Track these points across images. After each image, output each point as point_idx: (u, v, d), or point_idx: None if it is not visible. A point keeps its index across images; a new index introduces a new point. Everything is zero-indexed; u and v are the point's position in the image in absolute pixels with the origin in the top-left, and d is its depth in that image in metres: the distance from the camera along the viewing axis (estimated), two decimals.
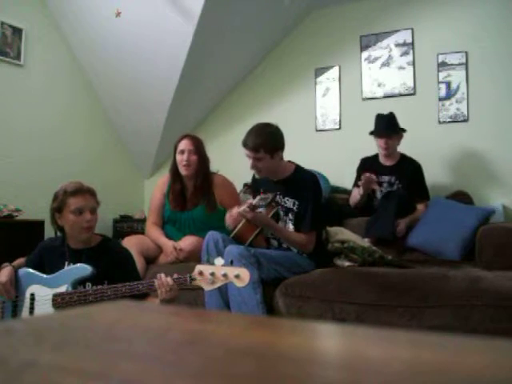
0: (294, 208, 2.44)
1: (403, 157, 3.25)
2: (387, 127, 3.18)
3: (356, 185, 3.22)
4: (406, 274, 2.21)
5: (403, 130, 3.23)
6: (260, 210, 2.37)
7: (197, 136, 2.93)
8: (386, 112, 3.28)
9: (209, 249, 2.30)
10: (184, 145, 2.82)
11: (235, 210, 2.39)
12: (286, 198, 2.46)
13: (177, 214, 2.89)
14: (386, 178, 3.21)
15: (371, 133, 3.27)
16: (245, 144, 2.41)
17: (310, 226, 2.41)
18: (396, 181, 3.17)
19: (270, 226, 2.41)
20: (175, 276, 1.78)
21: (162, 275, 1.78)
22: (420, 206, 3.11)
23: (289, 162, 2.57)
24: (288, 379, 0.30)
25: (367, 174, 3.01)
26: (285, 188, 2.45)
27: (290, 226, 2.46)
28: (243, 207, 2.30)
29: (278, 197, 2.45)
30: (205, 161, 2.85)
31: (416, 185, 3.15)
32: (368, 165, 3.29)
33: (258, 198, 2.33)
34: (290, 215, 2.46)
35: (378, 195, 3.21)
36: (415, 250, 2.90)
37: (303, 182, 2.46)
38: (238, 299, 2.16)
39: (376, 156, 3.32)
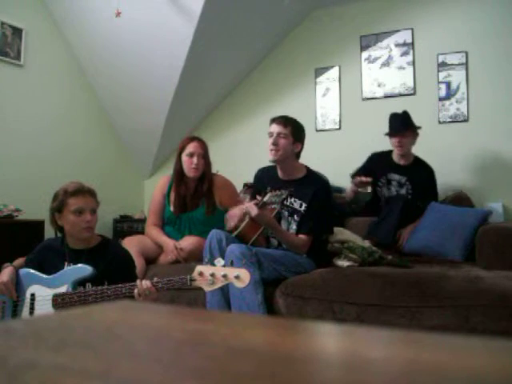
0: (302, 210, 2.44)
1: (417, 159, 3.17)
2: (401, 125, 3.09)
3: (355, 175, 3.11)
4: (405, 274, 2.21)
5: (418, 128, 3.13)
6: (273, 206, 2.38)
7: (203, 139, 2.92)
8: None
9: (211, 247, 2.29)
10: (194, 147, 2.80)
11: (236, 209, 2.40)
12: (294, 199, 2.46)
13: (177, 215, 2.88)
14: (396, 177, 3.13)
15: (386, 134, 3.18)
16: (275, 119, 2.50)
17: (312, 230, 2.43)
18: (407, 182, 3.10)
19: (271, 226, 2.40)
20: (155, 280, 1.79)
21: (143, 281, 1.80)
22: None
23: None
24: (288, 379, 0.30)
25: (363, 179, 2.97)
26: (295, 189, 2.44)
27: (294, 227, 2.46)
28: (250, 204, 2.29)
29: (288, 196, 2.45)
30: (210, 165, 2.86)
31: (427, 190, 3.08)
32: (380, 160, 3.21)
33: (268, 195, 2.31)
34: (295, 216, 2.46)
35: (386, 194, 3.16)
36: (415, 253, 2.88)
37: (316, 187, 2.46)
38: (239, 299, 2.16)
39: (389, 153, 3.21)
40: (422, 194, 3.06)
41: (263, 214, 2.30)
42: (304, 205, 2.44)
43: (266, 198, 2.30)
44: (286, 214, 2.48)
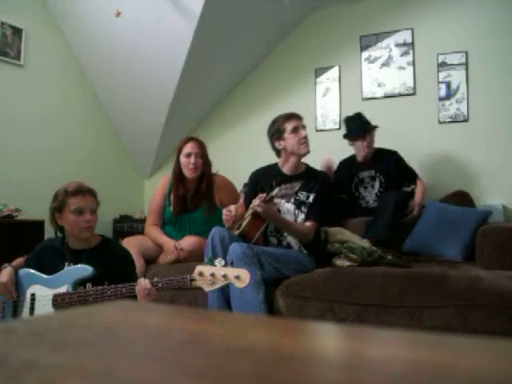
0: (309, 201, 2.50)
1: (378, 150, 3.29)
2: (364, 126, 3.22)
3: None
4: (406, 274, 2.21)
5: (375, 127, 3.26)
6: (285, 199, 2.46)
7: (200, 139, 2.92)
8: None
9: (213, 244, 2.28)
10: (191, 148, 2.80)
11: (231, 207, 2.41)
12: (300, 192, 2.52)
13: (177, 215, 2.88)
14: (365, 174, 3.26)
15: (345, 136, 3.31)
16: (295, 114, 2.59)
17: (318, 215, 2.50)
18: (377, 173, 3.22)
19: (278, 220, 2.43)
20: (155, 280, 1.80)
21: (142, 279, 1.80)
22: (418, 187, 3.16)
23: None
24: (288, 379, 0.30)
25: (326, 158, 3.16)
26: (299, 182, 2.53)
27: (302, 217, 2.51)
28: (256, 202, 2.29)
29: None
30: (209, 164, 2.86)
31: (400, 170, 3.19)
32: (345, 166, 3.37)
33: (277, 189, 2.32)
34: (303, 208, 2.51)
35: (363, 192, 3.25)
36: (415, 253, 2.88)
37: (321, 179, 2.59)
38: (240, 299, 2.16)
39: (353, 156, 3.37)
40: (395, 179, 3.16)
41: (270, 209, 2.34)
42: (312, 196, 2.50)
43: (274, 192, 2.29)
44: (294, 207, 2.52)
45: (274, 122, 2.61)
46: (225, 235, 2.30)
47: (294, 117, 2.58)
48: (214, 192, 2.85)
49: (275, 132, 2.58)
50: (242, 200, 2.74)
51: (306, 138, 2.54)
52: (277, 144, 2.59)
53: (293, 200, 2.52)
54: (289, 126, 2.54)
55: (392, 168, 3.18)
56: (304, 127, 2.57)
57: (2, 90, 3.33)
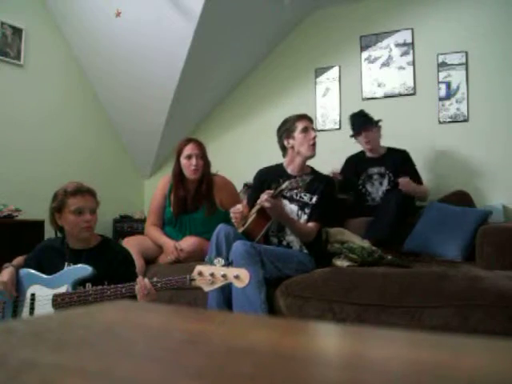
0: (312, 202, 2.51)
1: (389, 149, 3.30)
2: (363, 122, 3.24)
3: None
4: (406, 274, 2.20)
5: (378, 121, 3.26)
6: (296, 191, 2.48)
7: (199, 140, 2.92)
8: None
9: (218, 241, 2.28)
10: (191, 149, 2.80)
11: (239, 206, 2.41)
12: (304, 193, 2.53)
13: (177, 216, 2.88)
14: (374, 170, 3.25)
15: (352, 135, 3.34)
16: (305, 115, 2.62)
17: (321, 216, 2.51)
18: (386, 170, 3.22)
19: (283, 217, 2.42)
20: (154, 280, 1.79)
21: (141, 278, 1.80)
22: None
23: None
24: (288, 379, 0.30)
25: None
26: (309, 177, 2.51)
27: (304, 218, 2.51)
28: (264, 197, 2.29)
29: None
30: (208, 165, 2.87)
31: (408, 169, 3.18)
32: (355, 160, 3.36)
33: (286, 182, 2.29)
34: (305, 209, 2.52)
35: (369, 189, 3.24)
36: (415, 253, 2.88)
37: (326, 181, 2.61)
38: (241, 299, 2.16)
39: (362, 152, 3.37)
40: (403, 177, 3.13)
41: (277, 205, 2.33)
42: (315, 197, 2.51)
43: (284, 185, 2.27)
44: (297, 208, 2.52)
45: (286, 121, 2.63)
46: (230, 232, 2.30)
47: (305, 118, 2.61)
48: (214, 192, 2.85)
49: (285, 130, 2.60)
50: (245, 201, 2.73)
51: (314, 139, 2.56)
52: (285, 142, 2.60)
53: (295, 201, 2.52)
54: (299, 126, 2.56)
55: (400, 166, 3.17)
56: (314, 130, 2.60)
57: (2, 90, 3.33)
